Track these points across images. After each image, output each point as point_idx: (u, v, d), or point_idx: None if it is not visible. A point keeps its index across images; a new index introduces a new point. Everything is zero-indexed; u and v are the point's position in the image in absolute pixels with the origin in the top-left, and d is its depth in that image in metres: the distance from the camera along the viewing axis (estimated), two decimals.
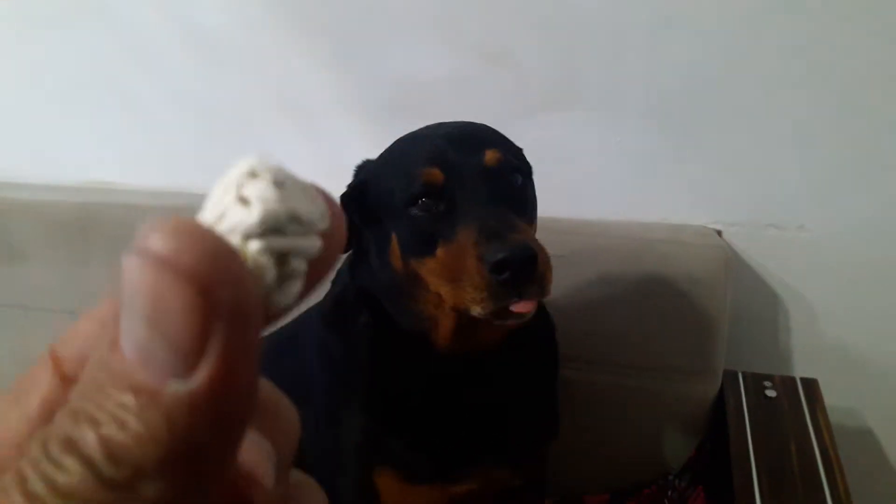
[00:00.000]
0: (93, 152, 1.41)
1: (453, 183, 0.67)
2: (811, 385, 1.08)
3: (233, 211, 0.18)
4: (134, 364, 0.15)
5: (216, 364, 0.15)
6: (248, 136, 1.31)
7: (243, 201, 0.18)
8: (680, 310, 1.03)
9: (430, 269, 0.67)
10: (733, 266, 1.07)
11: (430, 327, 0.73)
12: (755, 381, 1.08)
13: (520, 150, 0.79)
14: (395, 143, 0.76)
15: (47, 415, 0.18)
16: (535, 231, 0.75)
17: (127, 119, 1.35)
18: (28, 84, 1.38)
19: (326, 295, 0.83)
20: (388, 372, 0.77)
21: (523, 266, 0.60)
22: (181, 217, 0.16)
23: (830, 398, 1.08)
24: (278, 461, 0.20)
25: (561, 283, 1.03)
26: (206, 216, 0.18)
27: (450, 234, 0.65)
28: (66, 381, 0.19)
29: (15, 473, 0.15)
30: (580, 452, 1.09)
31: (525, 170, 0.75)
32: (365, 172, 0.78)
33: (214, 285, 0.15)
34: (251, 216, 0.18)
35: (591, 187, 1.18)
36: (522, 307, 0.62)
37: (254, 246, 0.18)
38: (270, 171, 0.19)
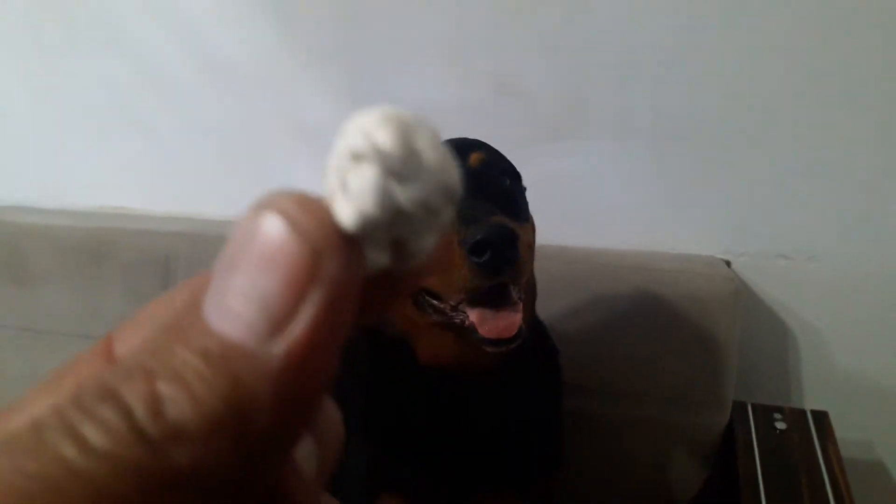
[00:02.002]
0: (108, 178, 1.43)
1: None
2: (822, 417, 1.07)
3: (337, 197, 0.16)
4: (214, 323, 0.14)
5: (303, 332, 0.15)
6: (262, 163, 1.32)
7: (345, 189, 0.16)
8: (689, 340, 1.03)
9: None
10: (742, 296, 1.07)
11: (409, 339, 0.74)
12: (765, 413, 1.07)
13: (514, 167, 0.81)
14: None
15: None
16: (533, 233, 0.77)
17: (142, 145, 1.37)
18: (45, 110, 1.40)
19: None
20: (387, 391, 0.77)
21: (503, 246, 0.60)
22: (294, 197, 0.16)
23: (842, 431, 1.07)
24: (320, 465, 0.18)
25: (568, 313, 1.05)
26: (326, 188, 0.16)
27: None
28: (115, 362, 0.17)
29: (32, 425, 0.14)
30: (586, 483, 1.09)
31: (512, 173, 0.77)
32: None
33: (325, 251, 0.15)
34: (344, 215, 0.16)
35: (600, 216, 1.19)
36: (500, 328, 0.63)
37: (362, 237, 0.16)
38: (380, 156, 0.16)
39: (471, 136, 1.20)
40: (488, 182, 0.70)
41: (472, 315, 0.65)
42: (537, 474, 0.82)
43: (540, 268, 1.05)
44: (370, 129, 0.16)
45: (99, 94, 1.35)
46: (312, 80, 1.23)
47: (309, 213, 0.16)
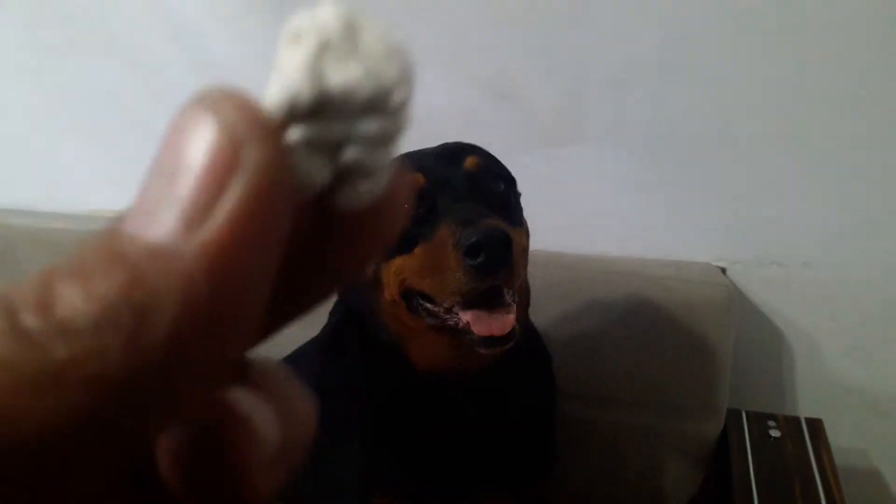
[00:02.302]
0: (104, 181, 1.42)
1: (435, 187, 0.68)
2: (816, 425, 1.07)
3: (273, 84, 0.15)
4: (127, 227, 0.13)
5: (221, 226, 0.13)
6: None
7: (280, 72, 0.15)
8: (683, 347, 1.03)
9: (400, 266, 0.68)
10: (737, 304, 1.06)
11: (403, 343, 0.74)
12: (759, 421, 1.07)
13: (506, 168, 0.81)
14: None
15: None
16: (526, 237, 0.77)
17: (139, 148, 1.36)
18: (41, 111, 1.40)
19: (324, 327, 0.84)
20: (381, 395, 0.77)
21: (497, 248, 0.60)
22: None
23: (836, 439, 1.07)
24: (283, 445, 0.16)
25: (562, 319, 1.05)
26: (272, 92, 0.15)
27: (430, 233, 0.66)
28: None
29: None
30: (579, 490, 1.08)
31: (507, 178, 0.77)
32: None
33: (246, 138, 0.14)
34: (271, 93, 0.15)
35: (595, 222, 1.18)
36: (494, 328, 0.63)
37: (292, 134, 0.15)
38: (318, 32, 0.15)
39: (467, 142, 1.21)
40: (483, 186, 0.70)
41: (466, 316, 0.65)
42: (532, 476, 0.82)
43: (533, 274, 1.05)
44: (315, 12, 0.15)
45: (96, 96, 1.35)
46: None
47: (230, 100, 0.14)
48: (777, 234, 1.11)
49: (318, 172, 0.15)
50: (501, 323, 0.63)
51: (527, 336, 0.79)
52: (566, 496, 1.05)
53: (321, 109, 0.14)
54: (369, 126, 0.15)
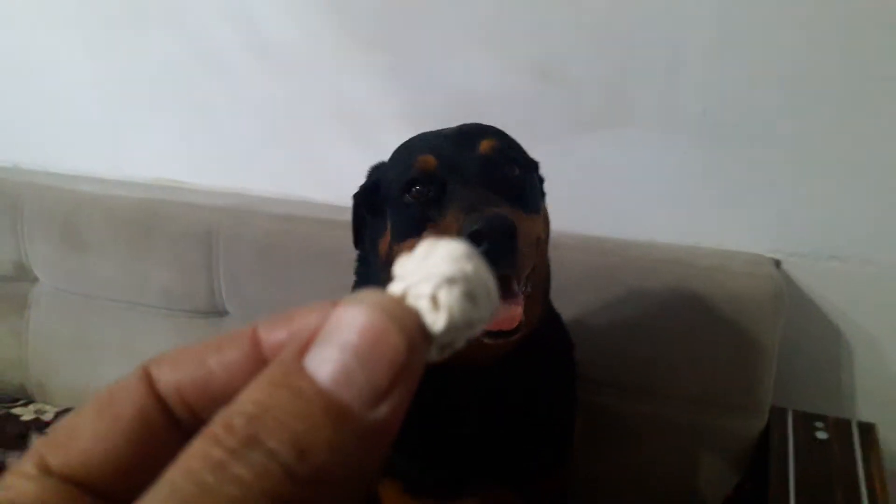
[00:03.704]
0: (162, 151, 1.47)
1: (446, 169, 0.67)
2: (868, 430, 1.01)
3: (425, 306, 0.20)
4: (329, 386, 0.18)
5: (395, 406, 0.19)
6: (306, 143, 1.34)
7: (435, 302, 0.20)
8: (725, 341, 0.98)
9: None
10: (786, 297, 1.01)
11: None
12: (806, 421, 1.02)
13: (530, 157, 0.78)
14: (405, 141, 0.78)
15: (143, 429, 0.20)
16: (545, 225, 0.75)
17: (196, 121, 1.41)
18: (105, 83, 1.45)
19: None
20: None
21: (500, 237, 0.58)
22: (391, 298, 0.21)
23: (889, 443, 1.02)
24: None
25: (600, 306, 1.02)
26: (398, 287, 0.21)
27: (438, 217, 0.65)
28: (160, 399, 0.21)
29: (185, 472, 0.17)
30: (607, 483, 1.06)
31: (523, 162, 0.74)
32: (376, 173, 0.80)
33: (415, 349, 0.19)
34: (437, 324, 0.20)
35: (643, 208, 1.15)
36: (500, 321, 0.61)
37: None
38: (467, 282, 0.21)
39: (512, 124, 1.19)
40: (496, 171, 0.68)
41: None
42: (540, 472, 0.80)
43: (571, 259, 1.03)
44: (461, 259, 0.21)
45: (156, 70, 1.39)
46: (357, 64, 1.23)
47: (408, 315, 0.20)
48: (837, 228, 1.05)
49: (434, 357, 0.21)
50: (508, 315, 0.61)
51: (547, 324, 0.77)
52: (591, 489, 1.03)
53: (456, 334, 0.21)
54: (473, 333, 0.21)
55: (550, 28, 1.08)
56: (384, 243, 0.72)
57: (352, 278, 0.84)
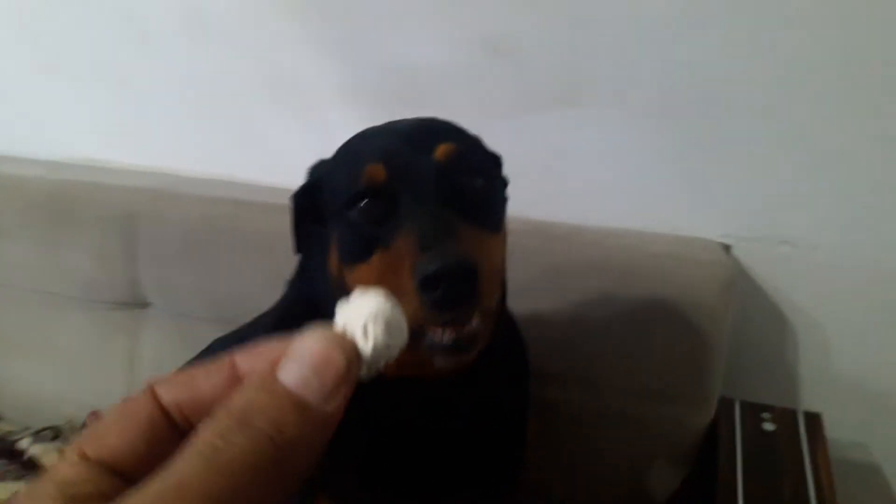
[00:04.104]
0: (82, 129, 1.37)
1: (398, 181, 0.60)
2: (814, 420, 1.00)
3: (359, 336, 0.30)
4: (295, 389, 0.27)
5: (339, 403, 0.28)
6: (239, 119, 1.26)
7: (366, 333, 0.30)
8: (675, 332, 0.96)
9: (362, 278, 0.60)
10: (738, 286, 0.99)
11: None
12: (753, 412, 1.01)
13: (492, 154, 0.71)
14: (351, 138, 0.70)
15: (152, 430, 0.29)
16: (503, 241, 0.67)
17: (117, 94, 1.31)
18: (13, 53, 1.34)
19: (277, 303, 0.78)
20: None
21: (458, 282, 0.52)
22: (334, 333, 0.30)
23: (835, 431, 1.02)
24: None
25: (545, 293, 0.98)
26: (339, 323, 0.30)
27: (388, 239, 0.58)
28: (164, 409, 0.29)
29: (202, 441, 0.25)
30: (555, 476, 1.03)
31: (487, 170, 0.67)
32: (318, 172, 0.71)
33: (352, 365, 0.29)
34: (366, 347, 0.30)
35: (593, 190, 1.11)
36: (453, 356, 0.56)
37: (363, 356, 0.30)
38: (386, 321, 0.30)
39: (459, 101, 1.13)
40: (456, 182, 0.60)
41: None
42: (496, 485, 0.76)
43: (519, 244, 0.98)
44: (382, 303, 0.31)
45: (76, 42, 1.29)
46: (297, 36, 1.16)
47: (347, 342, 0.29)
48: (788, 213, 1.03)
49: (362, 373, 0.30)
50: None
51: (501, 331, 0.71)
52: (541, 481, 0.99)
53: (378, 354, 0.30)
54: (391, 355, 0.31)
55: (502, 1, 1.02)
56: (332, 261, 0.65)
57: (287, 268, 0.77)
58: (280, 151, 1.25)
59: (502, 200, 0.69)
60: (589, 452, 1.03)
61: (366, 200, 0.60)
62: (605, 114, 1.05)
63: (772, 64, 0.95)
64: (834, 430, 1.01)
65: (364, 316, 0.30)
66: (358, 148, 0.66)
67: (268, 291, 0.82)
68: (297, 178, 1.27)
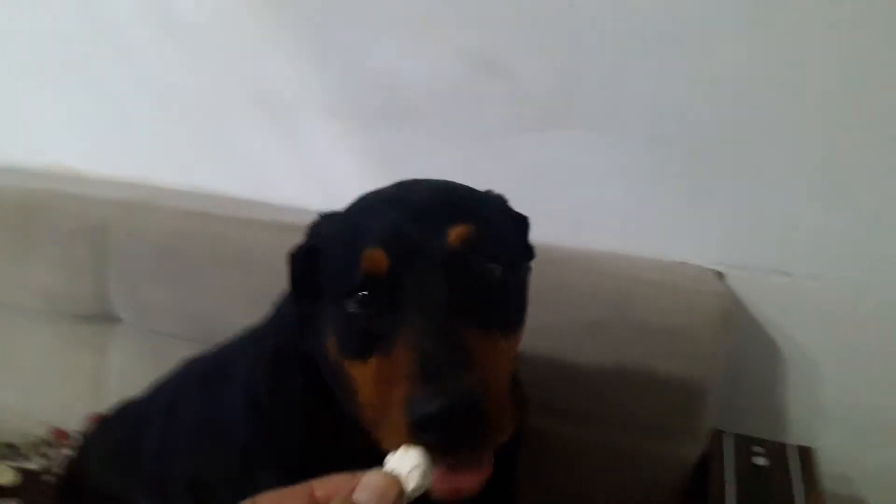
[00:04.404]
0: (54, 135, 1.32)
1: (402, 272, 0.52)
2: (806, 454, 0.98)
3: (403, 478, 0.43)
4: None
5: None
6: (219, 130, 1.21)
7: (409, 478, 0.43)
8: (667, 363, 0.93)
9: (361, 376, 0.55)
10: (732, 317, 0.96)
11: (373, 429, 0.59)
12: (744, 445, 0.98)
13: (517, 217, 0.66)
14: (356, 202, 0.63)
15: None
16: (519, 341, 0.61)
17: (94, 103, 1.27)
18: None
19: (267, 334, 0.73)
20: (322, 450, 0.65)
21: (461, 426, 0.45)
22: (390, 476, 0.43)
23: (827, 465, 0.99)
24: None
25: (535, 320, 0.94)
26: (390, 466, 0.44)
27: (387, 343, 0.51)
28: None
29: None
30: None
31: (511, 253, 0.59)
32: (318, 236, 0.65)
33: (401, 497, 0.41)
34: (409, 486, 0.43)
35: (585, 214, 1.08)
36: (461, 482, 0.48)
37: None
38: (422, 472, 0.44)
39: (448, 120, 1.08)
40: (470, 273, 0.53)
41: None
42: None
43: None
44: (419, 457, 0.44)
45: (50, 46, 1.24)
46: (280, 45, 1.12)
47: (396, 482, 0.42)
48: (784, 242, 1.00)
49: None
50: (469, 481, 0.48)
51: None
52: None
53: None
54: (422, 491, 0.44)
55: (493, 16, 0.99)
56: (330, 346, 0.59)
57: (265, 287, 0.72)
58: (259, 164, 1.20)
59: (522, 286, 0.62)
60: (576, 483, 1.00)
61: (364, 292, 0.54)
62: (598, 136, 1.02)
63: (768, 90, 0.92)
64: (825, 464, 0.99)
65: (408, 466, 0.43)
66: (360, 221, 0.59)
67: (244, 310, 0.78)
68: (277, 192, 1.22)
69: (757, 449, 0.98)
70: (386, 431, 0.49)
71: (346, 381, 0.58)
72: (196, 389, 0.82)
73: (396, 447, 0.46)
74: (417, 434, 0.45)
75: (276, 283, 0.70)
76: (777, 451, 0.98)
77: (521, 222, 0.68)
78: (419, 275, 0.52)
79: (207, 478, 0.76)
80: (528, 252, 0.68)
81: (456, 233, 0.54)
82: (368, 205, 0.61)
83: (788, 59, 0.90)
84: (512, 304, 0.58)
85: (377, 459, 0.61)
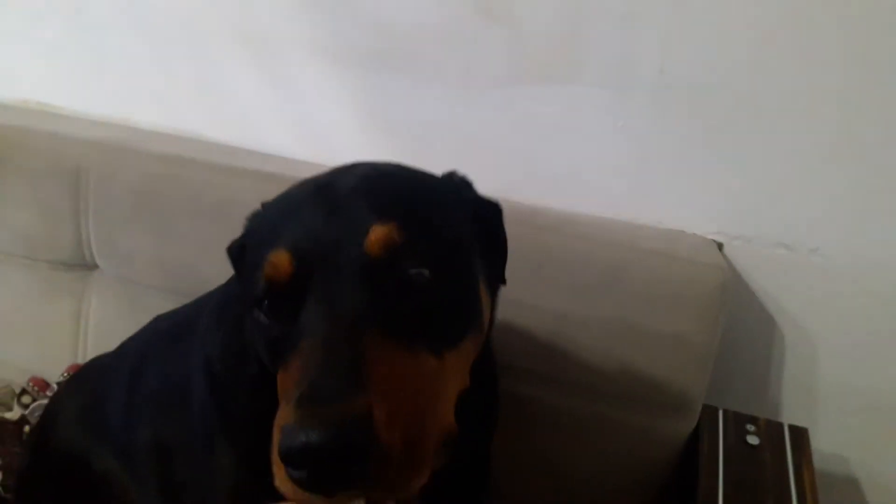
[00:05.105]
0: (29, 66, 1.25)
1: (307, 279, 0.47)
2: (800, 435, 0.95)
3: None
4: None
5: None
6: (207, 70, 1.15)
7: None
8: (660, 336, 0.90)
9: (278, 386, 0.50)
10: (730, 291, 0.92)
11: None
12: (737, 423, 0.95)
13: (486, 208, 0.59)
14: (286, 192, 0.57)
15: None
16: (475, 349, 0.54)
17: (71, 35, 1.20)
18: None
19: (229, 297, 0.69)
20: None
21: (330, 466, 0.38)
22: None
23: (821, 444, 0.98)
24: None
25: (528, 287, 0.90)
26: None
27: (288, 356, 0.46)
28: None
29: None
30: (526, 474, 0.97)
31: (446, 258, 0.50)
32: (247, 231, 0.60)
33: None
34: None
35: (583, 175, 1.03)
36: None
37: None
38: None
39: (446, 66, 1.02)
40: (391, 281, 0.47)
41: None
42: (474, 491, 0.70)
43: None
44: None
45: None
46: None
47: None
48: (788, 213, 0.96)
49: None
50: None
51: (479, 371, 0.58)
52: (508, 484, 0.93)
53: None
54: None
55: None
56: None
57: None
58: (243, 107, 1.15)
59: (472, 289, 0.53)
60: (562, 453, 0.97)
61: (267, 301, 0.48)
62: (601, 92, 0.97)
63: (781, 51, 0.87)
64: (819, 442, 0.98)
65: None
66: (277, 217, 0.53)
67: (224, 263, 0.73)
68: (262, 139, 1.15)
69: (750, 427, 0.95)
70: (272, 450, 0.43)
71: None
72: (160, 349, 0.79)
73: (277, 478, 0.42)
74: (286, 468, 0.40)
75: None
76: (770, 429, 0.95)
77: (490, 211, 0.60)
78: (325, 283, 0.46)
79: (170, 443, 0.73)
80: (497, 245, 0.60)
81: (376, 234, 0.47)
82: (293, 197, 0.55)
83: (803, 19, 0.84)
84: (450, 315, 0.50)
85: None
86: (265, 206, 0.59)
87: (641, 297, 0.90)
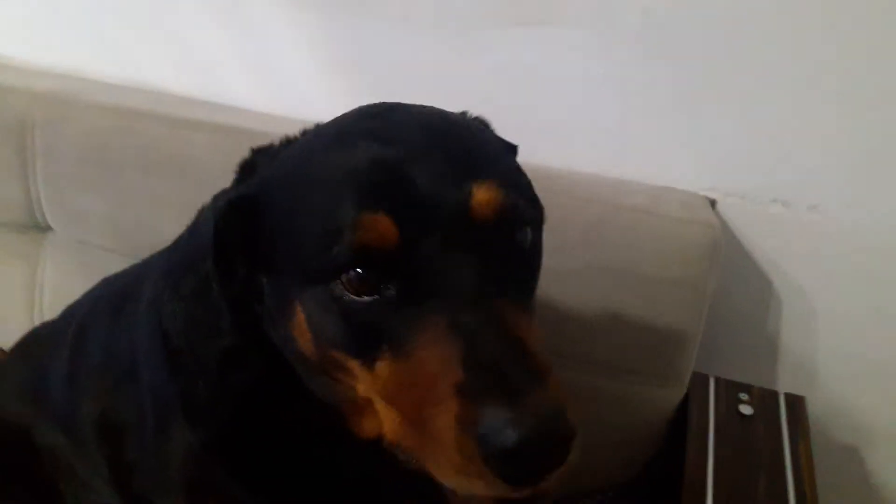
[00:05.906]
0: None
1: (416, 246, 0.41)
2: (796, 404, 0.91)
3: None
4: None
5: None
6: (158, 14, 1.07)
7: None
8: (648, 299, 0.85)
9: (364, 382, 0.44)
10: (723, 250, 0.86)
11: (351, 412, 0.51)
12: (729, 392, 0.91)
13: (506, 146, 0.56)
14: (316, 135, 0.50)
15: None
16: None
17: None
18: None
19: (185, 258, 0.61)
20: (257, 420, 0.55)
21: (548, 454, 0.37)
22: None
23: (817, 411, 0.94)
24: None
25: None
26: None
27: (403, 340, 0.40)
28: None
29: None
30: None
31: (532, 215, 0.48)
32: (259, 181, 0.50)
33: None
34: None
35: (566, 126, 0.98)
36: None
37: None
38: None
39: (416, 7, 0.95)
40: (501, 246, 0.43)
41: None
42: None
43: None
44: None
45: None
46: None
47: None
48: (784, 168, 0.91)
49: None
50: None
51: None
52: None
53: None
54: None
55: None
56: (302, 338, 0.47)
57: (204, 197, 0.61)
58: (202, 55, 1.08)
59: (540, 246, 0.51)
60: None
61: (362, 272, 0.41)
62: (585, 35, 0.90)
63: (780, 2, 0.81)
64: (815, 409, 0.94)
65: None
66: (335, 162, 0.45)
67: (181, 223, 0.67)
68: (224, 90, 1.07)
69: (743, 396, 0.90)
70: (429, 450, 0.39)
71: (331, 369, 0.47)
72: (102, 319, 0.72)
73: (459, 480, 0.39)
74: (494, 467, 0.37)
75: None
76: (764, 398, 0.91)
77: (514, 153, 0.57)
78: (438, 246, 0.41)
79: (116, 420, 0.66)
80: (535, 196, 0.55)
81: (482, 195, 0.42)
82: (340, 137, 0.47)
83: None
84: (536, 271, 0.49)
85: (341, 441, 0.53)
86: (268, 152, 0.52)
87: (626, 257, 0.85)
